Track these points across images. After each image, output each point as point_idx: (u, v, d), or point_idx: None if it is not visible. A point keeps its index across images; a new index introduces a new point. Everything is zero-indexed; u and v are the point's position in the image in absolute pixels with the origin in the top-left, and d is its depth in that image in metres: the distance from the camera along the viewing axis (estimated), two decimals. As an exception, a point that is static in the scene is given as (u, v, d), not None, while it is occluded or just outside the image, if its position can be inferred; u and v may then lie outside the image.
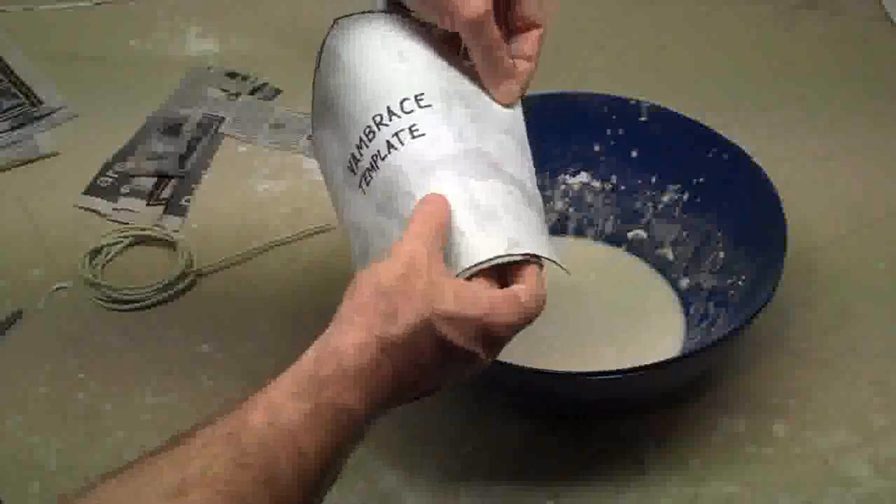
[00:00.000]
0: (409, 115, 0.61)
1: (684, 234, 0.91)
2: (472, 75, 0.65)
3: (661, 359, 0.75)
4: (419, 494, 0.78)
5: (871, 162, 1.05)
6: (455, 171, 0.60)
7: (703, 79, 1.14)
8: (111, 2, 1.25)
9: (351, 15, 0.66)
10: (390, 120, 0.61)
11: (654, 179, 0.92)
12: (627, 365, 0.73)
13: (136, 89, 1.13)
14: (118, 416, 0.83)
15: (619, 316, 0.88)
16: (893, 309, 0.91)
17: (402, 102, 0.62)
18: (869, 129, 1.08)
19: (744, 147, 0.87)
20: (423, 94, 0.62)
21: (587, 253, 0.93)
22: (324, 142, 0.68)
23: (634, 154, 0.92)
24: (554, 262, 0.60)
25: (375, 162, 0.62)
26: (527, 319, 0.57)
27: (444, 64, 0.65)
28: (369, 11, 0.66)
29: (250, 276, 0.94)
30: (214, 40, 1.21)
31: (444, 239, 0.58)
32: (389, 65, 0.63)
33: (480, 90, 0.65)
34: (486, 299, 0.56)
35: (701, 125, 0.89)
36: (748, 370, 0.85)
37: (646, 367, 0.73)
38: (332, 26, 0.66)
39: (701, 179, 0.90)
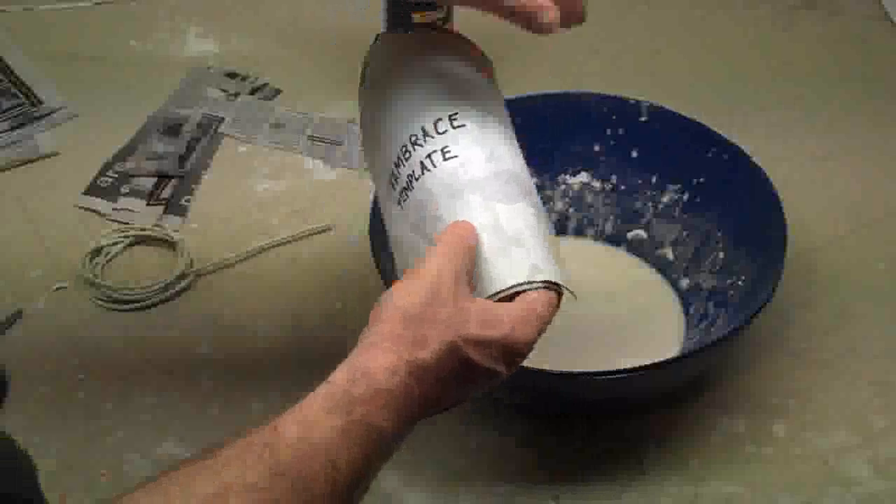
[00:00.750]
0: (443, 135, 0.62)
1: (684, 234, 0.91)
2: (501, 95, 0.66)
3: (661, 359, 0.75)
4: (419, 494, 0.78)
5: (870, 162, 1.05)
6: (483, 196, 0.61)
7: (702, 79, 1.14)
8: (111, 2, 1.25)
9: (389, 32, 0.68)
10: (424, 140, 0.63)
11: (654, 179, 0.92)
12: (627, 365, 0.73)
13: (136, 89, 1.13)
14: (118, 416, 0.83)
15: (619, 316, 0.88)
16: (893, 309, 0.91)
17: (436, 123, 0.63)
18: (868, 128, 1.08)
19: (743, 147, 0.88)
20: (456, 113, 0.63)
21: (587, 253, 0.93)
22: (370, 153, 0.69)
23: (634, 154, 0.92)
24: (569, 290, 0.61)
25: (410, 182, 0.63)
26: (543, 331, 0.59)
27: (478, 81, 0.66)
28: (407, 30, 0.68)
29: (250, 276, 0.94)
30: (214, 40, 1.21)
31: (471, 262, 0.59)
32: (425, 83, 0.65)
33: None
34: (507, 319, 0.58)
35: (701, 125, 0.90)
36: (748, 370, 0.86)
37: (646, 367, 0.73)
38: (374, 42, 0.68)
39: (701, 179, 0.90)
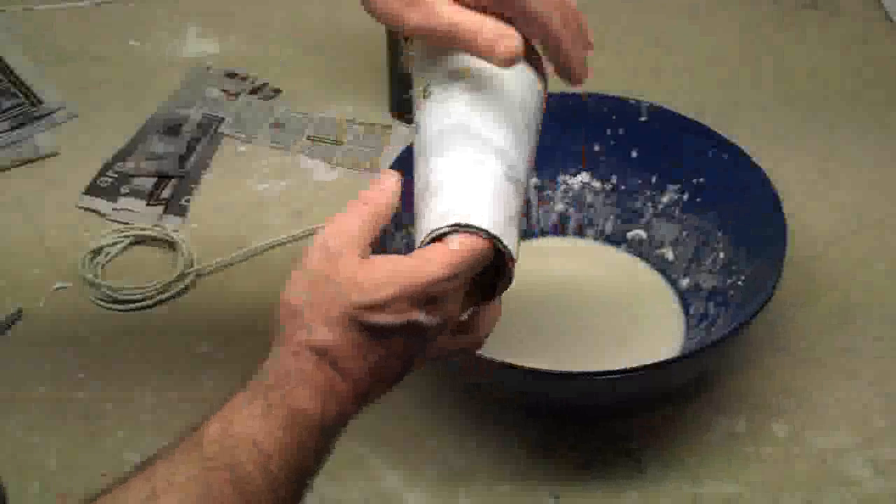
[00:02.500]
0: (418, 110, 0.63)
1: (684, 234, 0.91)
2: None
3: (661, 359, 0.75)
4: (419, 494, 0.78)
5: (871, 162, 1.05)
6: (425, 154, 0.61)
7: (702, 79, 1.14)
8: (111, 2, 1.25)
9: None
10: (413, 110, 0.64)
11: (654, 179, 0.92)
12: (627, 365, 0.73)
13: (136, 89, 1.13)
14: (118, 416, 0.83)
15: (619, 316, 0.88)
16: (893, 309, 0.91)
17: (417, 97, 0.64)
18: (868, 129, 1.08)
19: (743, 147, 0.87)
20: (429, 83, 0.63)
21: (587, 253, 0.93)
22: None
23: (634, 154, 0.92)
24: (496, 238, 0.57)
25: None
26: (462, 266, 0.56)
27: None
28: None
29: (250, 276, 0.94)
30: (214, 40, 1.21)
31: (374, 223, 0.58)
32: (419, 63, 0.65)
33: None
34: (405, 269, 0.55)
35: (701, 125, 0.89)
36: (748, 370, 0.86)
37: (646, 367, 0.73)
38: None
39: (701, 179, 0.90)
